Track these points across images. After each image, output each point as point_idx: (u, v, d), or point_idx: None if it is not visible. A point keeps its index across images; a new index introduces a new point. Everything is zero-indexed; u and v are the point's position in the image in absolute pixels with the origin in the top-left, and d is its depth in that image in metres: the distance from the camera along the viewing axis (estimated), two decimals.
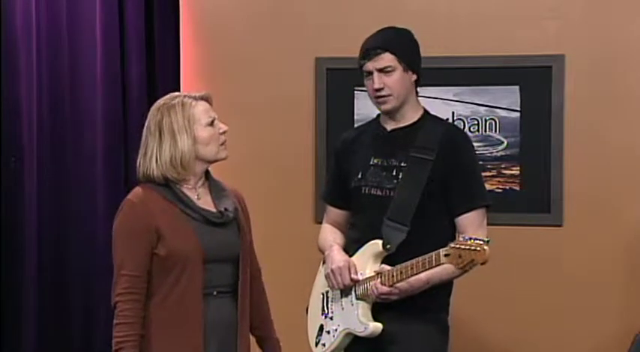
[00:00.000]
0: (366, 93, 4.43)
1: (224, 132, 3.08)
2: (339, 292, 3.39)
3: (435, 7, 4.41)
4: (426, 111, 3.44)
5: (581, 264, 4.30)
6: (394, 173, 3.32)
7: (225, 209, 3.07)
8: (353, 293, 3.33)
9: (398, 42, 3.36)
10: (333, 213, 3.57)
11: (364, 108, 4.46)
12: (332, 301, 3.43)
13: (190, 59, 4.60)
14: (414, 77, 3.37)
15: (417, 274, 3.15)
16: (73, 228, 4.26)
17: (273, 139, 4.55)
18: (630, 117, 4.31)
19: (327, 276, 3.41)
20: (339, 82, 4.48)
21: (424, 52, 3.43)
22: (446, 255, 3.02)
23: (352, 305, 3.32)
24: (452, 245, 3.00)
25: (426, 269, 3.12)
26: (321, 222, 4.45)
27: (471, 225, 3.29)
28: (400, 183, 3.30)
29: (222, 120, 3.12)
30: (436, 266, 3.09)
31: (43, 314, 4.12)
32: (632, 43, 4.30)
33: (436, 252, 3.06)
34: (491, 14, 4.40)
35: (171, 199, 3.00)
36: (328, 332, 3.42)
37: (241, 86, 4.56)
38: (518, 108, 4.35)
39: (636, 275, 4.28)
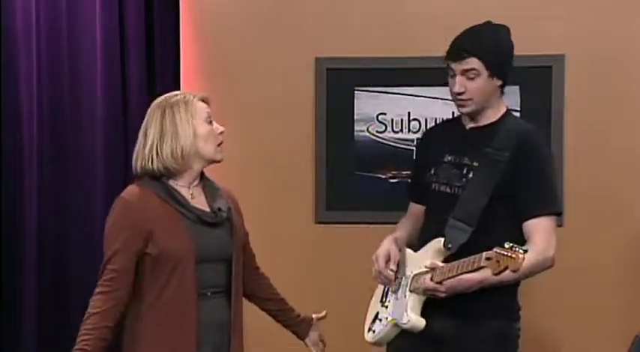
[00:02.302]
0: (366, 93, 4.47)
1: (221, 133, 3.10)
2: (398, 282, 3.37)
3: (434, 8, 4.41)
4: (507, 111, 3.37)
5: (581, 263, 4.30)
6: (464, 171, 3.28)
7: (219, 209, 3.08)
8: (408, 285, 3.32)
9: (488, 46, 3.26)
10: (413, 207, 3.56)
11: (364, 108, 4.46)
12: (391, 290, 3.42)
13: (190, 59, 4.60)
14: (500, 82, 3.29)
15: (461, 274, 3.12)
16: (73, 228, 4.25)
17: (273, 139, 4.55)
18: (631, 117, 4.31)
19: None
20: (339, 82, 4.48)
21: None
22: (487, 259, 3.01)
23: (405, 296, 3.31)
24: (495, 250, 2.98)
25: (469, 271, 3.10)
26: (320, 222, 4.50)
27: (537, 231, 3.23)
28: (470, 182, 3.25)
29: (222, 120, 3.15)
30: (477, 268, 3.06)
31: (43, 314, 4.12)
32: (633, 43, 4.30)
33: (480, 254, 3.04)
34: (491, 14, 4.36)
35: (166, 197, 3.02)
36: (380, 320, 3.42)
37: (241, 86, 4.56)
38: (518, 108, 4.34)
39: (637, 276, 4.28)
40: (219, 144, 3.10)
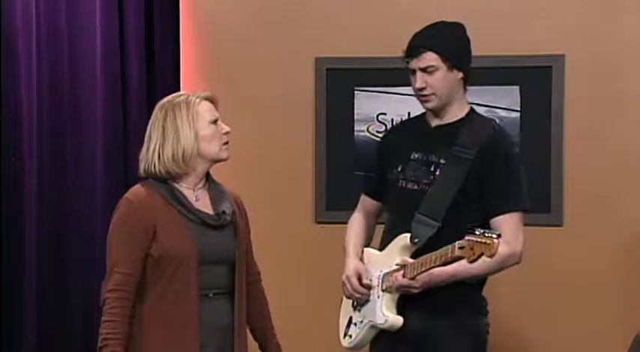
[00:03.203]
0: (366, 93, 4.47)
1: (227, 133, 3.10)
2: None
3: (434, 8, 4.40)
4: (472, 109, 3.41)
5: (581, 263, 4.30)
6: (432, 169, 3.31)
7: (223, 211, 3.07)
8: (379, 285, 3.33)
9: (443, 40, 3.32)
10: (367, 201, 3.57)
11: (364, 108, 4.46)
12: None
13: (190, 59, 4.60)
14: (460, 75, 3.33)
15: (434, 267, 3.16)
16: (73, 228, 4.26)
17: (273, 139, 4.55)
18: (630, 117, 4.31)
19: (342, 285, 3.44)
20: (339, 82, 4.48)
21: (471, 49, 3.43)
22: (460, 248, 3.04)
23: (378, 297, 3.33)
24: (467, 238, 3.02)
25: (443, 263, 3.13)
26: (320, 222, 4.49)
27: (505, 227, 3.25)
28: (437, 179, 3.28)
29: (222, 120, 3.14)
30: (452, 259, 3.10)
31: (43, 314, 4.12)
32: (632, 43, 4.30)
33: (452, 244, 3.08)
34: (491, 14, 4.40)
35: (170, 199, 3.02)
36: (355, 324, 3.43)
37: (241, 86, 4.56)
38: (518, 109, 4.35)
39: (636, 275, 4.28)
40: (224, 144, 3.11)
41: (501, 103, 4.37)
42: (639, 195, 4.30)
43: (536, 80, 4.33)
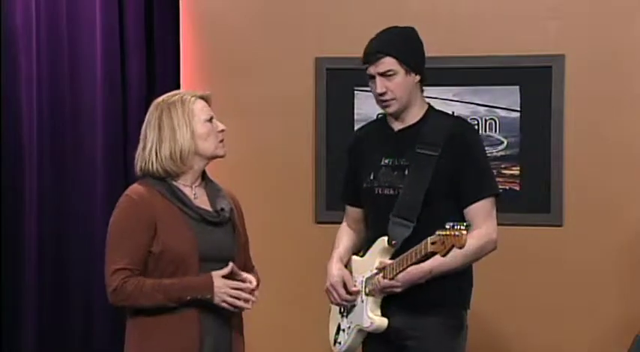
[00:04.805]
0: (366, 94, 4.46)
1: (222, 131, 3.11)
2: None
3: (435, 7, 4.41)
4: (430, 107, 3.45)
5: (581, 263, 4.30)
6: (405, 172, 3.34)
7: (222, 208, 3.08)
8: (363, 289, 3.37)
9: (399, 45, 3.35)
10: (351, 211, 3.60)
11: (364, 108, 4.46)
12: None
13: (190, 59, 4.60)
14: (417, 78, 3.38)
15: (411, 264, 3.20)
16: (73, 227, 4.26)
17: (273, 139, 4.55)
18: (630, 117, 4.31)
19: (326, 292, 3.46)
20: (339, 82, 4.48)
21: (425, 52, 3.44)
22: (432, 243, 3.08)
23: (362, 301, 3.37)
24: (438, 232, 3.06)
25: (420, 260, 3.17)
26: (320, 222, 4.50)
27: (479, 215, 3.31)
28: (406, 180, 3.32)
29: (222, 120, 3.15)
30: (426, 254, 3.14)
31: (43, 314, 4.12)
32: (632, 43, 4.30)
33: (425, 240, 3.11)
34: (491, 14, 4.40)
35: (169, 197, 3.02)
36: (343, 330, 3.47)
37: (241, 86, 4.56)
38: (518, 108, 4.35)
39: (636, 275, 4.28)
40: (220, 141, 3.11)
41: (501, 103, 4.37)
42: (639, 195, 4.30)
43: (536, 80, 4.33)
